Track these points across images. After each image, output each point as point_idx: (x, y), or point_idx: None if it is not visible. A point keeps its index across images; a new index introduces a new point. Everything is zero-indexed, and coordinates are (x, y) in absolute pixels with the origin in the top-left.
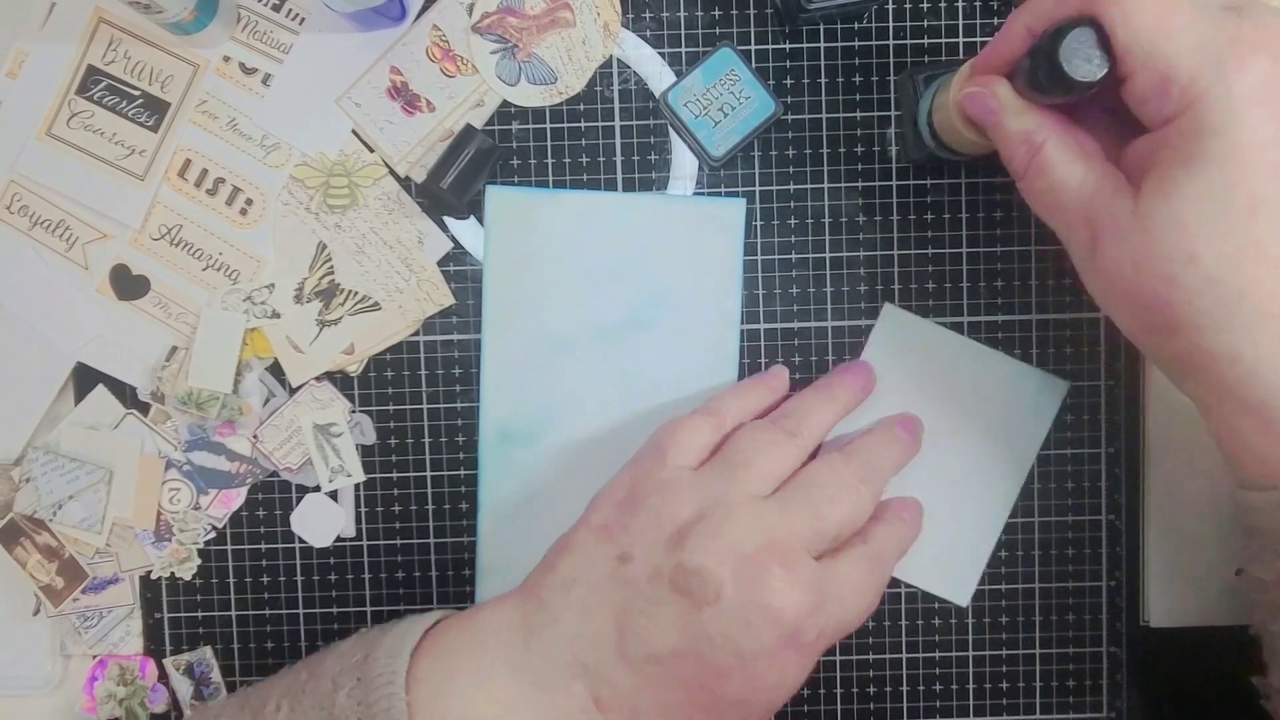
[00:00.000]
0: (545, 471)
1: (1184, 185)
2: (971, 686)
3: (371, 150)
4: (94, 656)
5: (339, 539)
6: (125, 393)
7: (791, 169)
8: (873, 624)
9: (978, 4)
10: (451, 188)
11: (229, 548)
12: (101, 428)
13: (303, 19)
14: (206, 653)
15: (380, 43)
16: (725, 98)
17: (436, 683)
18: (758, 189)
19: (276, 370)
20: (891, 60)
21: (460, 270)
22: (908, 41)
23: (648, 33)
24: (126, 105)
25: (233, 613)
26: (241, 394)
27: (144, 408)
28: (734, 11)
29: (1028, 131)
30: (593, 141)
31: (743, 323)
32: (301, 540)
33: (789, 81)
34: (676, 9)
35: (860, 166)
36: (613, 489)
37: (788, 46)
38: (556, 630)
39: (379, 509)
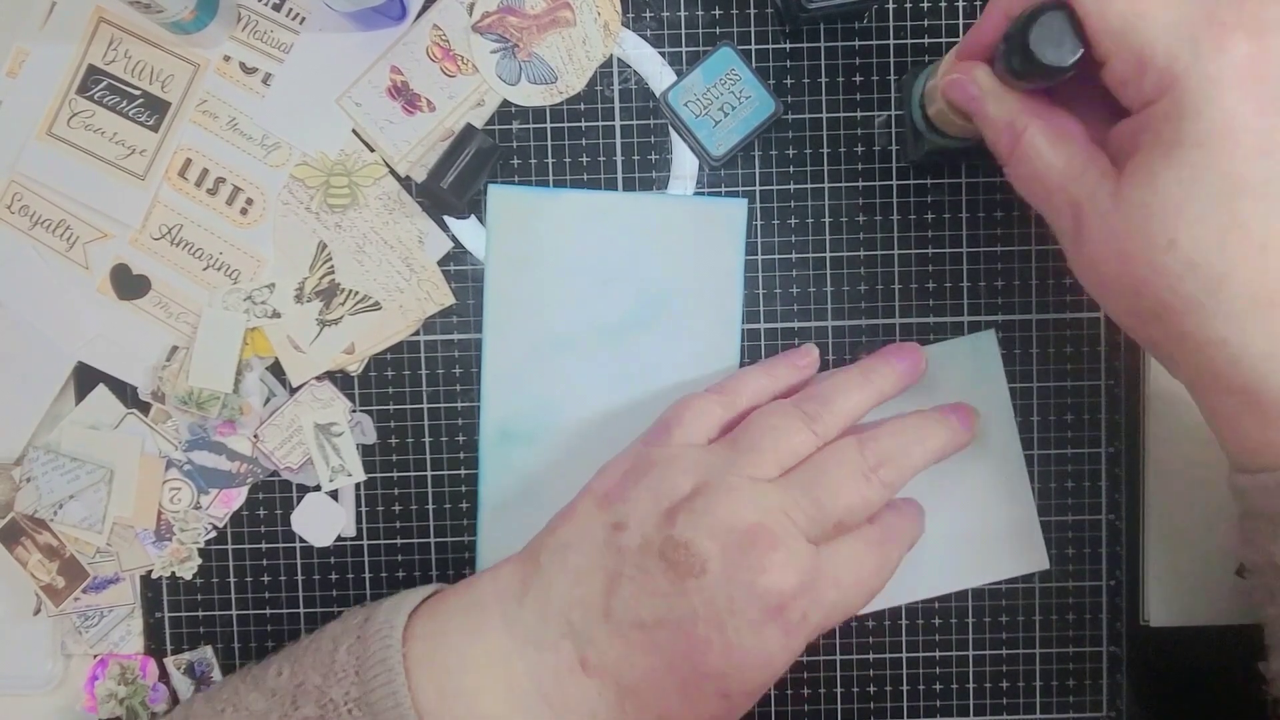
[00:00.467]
0: (546, 471)
1: (1163, 169)
2: (971, 686)
3: (372, 150)
4: (95, 656)
5: (339, 538)
6: (126, 392)
7: (792, 169)
8: (873, 624)
9: (978, 4)
10: (452, 187)
11: (230, 547)
12: (102, 427)
13: (303, 18)
14: (207, 652)
15: (380, 42)
16: (726, 97)
17: (433, 637)
18: (758, 189)
19: (277, 370)
20: (892, 60)
21: (460, 270)
22: (908, 41)
23: (648, 32)
24: (127, 105)
25: (233, 612)
26: (242, 393)
27: (145, 407)
28: (734, 11)
29: (1010, 117)
30: (593, 141)
31: (743, 322)
32: (302, 540)
33: (789, 81)
34: (677, 8)
35: (860, 166)
36: (619, 460)
37: (788, 46)
38: (550, 591)
39: (379, 508)
